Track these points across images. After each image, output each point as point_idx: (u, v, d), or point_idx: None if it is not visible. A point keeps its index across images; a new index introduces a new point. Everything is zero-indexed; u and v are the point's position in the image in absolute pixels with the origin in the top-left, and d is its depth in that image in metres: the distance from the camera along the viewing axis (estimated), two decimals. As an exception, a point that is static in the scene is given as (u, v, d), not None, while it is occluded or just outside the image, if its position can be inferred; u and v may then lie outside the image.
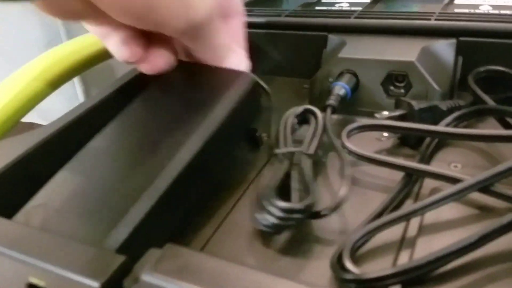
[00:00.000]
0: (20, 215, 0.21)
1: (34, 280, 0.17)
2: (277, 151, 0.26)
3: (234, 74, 0.27)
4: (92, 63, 0.35)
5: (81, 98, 0.55)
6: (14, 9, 0.50)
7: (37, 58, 0.32)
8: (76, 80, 0.53)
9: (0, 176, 0.22)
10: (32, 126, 0.62)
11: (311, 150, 0.26)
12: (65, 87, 0.34)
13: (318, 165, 0.28)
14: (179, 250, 0.17)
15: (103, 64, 0.35)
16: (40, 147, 0.23)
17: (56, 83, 0.32)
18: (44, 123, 0.58)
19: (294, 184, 0.23)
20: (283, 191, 0.23)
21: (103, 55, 0.35)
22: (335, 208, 0.23)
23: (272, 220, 0.21)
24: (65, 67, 0.32)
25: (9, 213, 0.21)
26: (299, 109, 0.29)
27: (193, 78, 0.28)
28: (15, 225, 0.19)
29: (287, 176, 0.24)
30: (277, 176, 0.24)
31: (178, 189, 0.21)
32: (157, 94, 0.27)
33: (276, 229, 0.22)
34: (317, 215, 0.23)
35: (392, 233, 0.22)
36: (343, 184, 0.24)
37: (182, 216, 0.22)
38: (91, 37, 0.36)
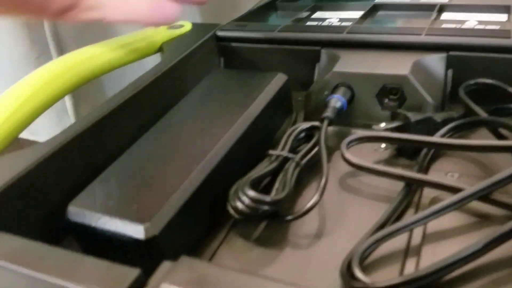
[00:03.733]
0: (84, 193, 0.23)
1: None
2: (271, 151, 0.28)
3: (269, 75, 0.33)
4: (87, 79, 0.35)
5: (70, 112, 0.54)
6: (-1, 23, 0.50)
7: (33, 74, 0.32)
8: (65, 95, 0.53)
9: (4, 191, 0.22)
10: (18, 141, 0.61)
11: (301, 160, 0.28)
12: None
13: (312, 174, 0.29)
14: (193, 262, 0.17)
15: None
16: (41, 163, 0.24)
17: (53, 99, 0.31)
18: (31, 137, 0.57)
19: (277, 184, 0.25)
20: (268, 189, 0.25)
21: (98, 71, 0.35)
22: (300, 215, 0.24)
23: (241, 207, 0.23)
24: (62, 83, 0.32)
25: (12, 228, 0.21)
26: (307, 124, 0.30)
27: (238, 78, 0.34)
28: (24, 241, 0.19)
29: (273, 176, 0.26)
30: (260, 172, 0.26)
31: (217, 176, 0.24)
32: (203, 92, 0.33)
33: (245, 216, 0.23)
34: (283, 217, 0.24)
35: (397, 242, 0.22)
36: (315, 195, 0.25)
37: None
38: (85, 53, 0.36)
